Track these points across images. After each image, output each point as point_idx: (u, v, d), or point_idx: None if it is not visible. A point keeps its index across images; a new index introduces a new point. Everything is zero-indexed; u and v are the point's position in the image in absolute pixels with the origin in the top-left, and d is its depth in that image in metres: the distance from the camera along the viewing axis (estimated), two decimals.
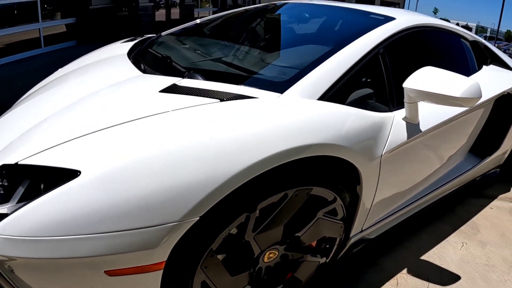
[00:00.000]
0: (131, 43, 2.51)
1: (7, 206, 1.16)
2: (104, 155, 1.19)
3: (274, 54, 2.14)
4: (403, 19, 2.14)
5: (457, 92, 1.49)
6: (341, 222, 1.67)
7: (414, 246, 2.34)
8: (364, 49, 1.78)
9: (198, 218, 1.15)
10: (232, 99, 1.45)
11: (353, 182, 1.63)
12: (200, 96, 1.47)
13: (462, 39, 2.66)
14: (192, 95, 1.49)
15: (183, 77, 1.65)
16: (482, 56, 2.82)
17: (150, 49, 2.25)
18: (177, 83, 1.59)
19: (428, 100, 1.60)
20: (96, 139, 1.27)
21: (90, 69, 2.10)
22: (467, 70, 2.61)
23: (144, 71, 1.84)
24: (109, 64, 2.12)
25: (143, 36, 2.84)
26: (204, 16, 14.57)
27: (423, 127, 1.86)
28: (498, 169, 3.03)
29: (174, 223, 1.12)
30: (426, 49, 2.43)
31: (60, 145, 1.25)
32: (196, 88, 1.54)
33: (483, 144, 2.65)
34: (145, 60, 2.07)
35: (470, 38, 2.75)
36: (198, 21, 2.98)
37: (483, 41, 2.94)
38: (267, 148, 1.25)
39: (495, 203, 3.04)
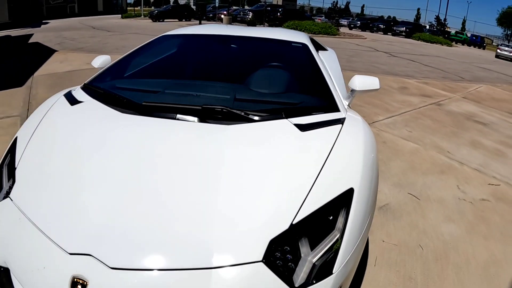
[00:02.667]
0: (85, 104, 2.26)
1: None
2: (346, 173, 1.69)
3: (272, 84, 2.63)
4: (303, 38, 3.32)
5: (377, 86, 2.63)
6: None
7: None
8: (322, 66, 2.80)
9: None
10: (343, 122, 2.06)
11: None
12: (327, 126, 2.00)
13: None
14: (322, 127, 1.99)
15: (284, 118, 2.01)
16: (316, 46, 4.46)
17: (161, 104, 2.11)
18: (292, 122, 1.98)
19: (364, 93, 2.66)
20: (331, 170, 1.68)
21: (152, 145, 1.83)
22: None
23: (205, 122, 1.96)
24: (171, 129, 1.95)
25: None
26: None
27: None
28: None
29: None
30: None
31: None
32: (316, 122, 2.02)
33: None
34: (197, 114, 2.01)
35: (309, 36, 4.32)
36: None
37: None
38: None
39: None
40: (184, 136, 1.89)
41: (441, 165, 4.27)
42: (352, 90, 2.71)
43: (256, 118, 2.01)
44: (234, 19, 25.38)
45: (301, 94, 2.58)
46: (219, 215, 1.47)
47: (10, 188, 1.77)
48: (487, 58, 24.56)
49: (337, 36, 23.82)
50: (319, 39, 20.48)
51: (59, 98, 2.39)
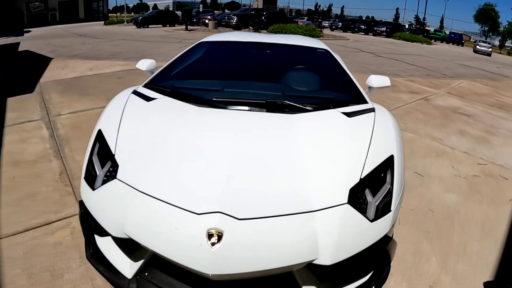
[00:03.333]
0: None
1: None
2: (387, 145, 2.27)
3: (308, 83, 3.25)
4: (323, 45, 3.92)
5: (389, 83, 3.42)
6: None
7: None
8: (346, 68, 3.41)
9: None
10: (374, 110, 2.65)
11: None
12: (364, 113, 2.60)
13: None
14: (361, 114, 2.58)
15: (332, 108, 2.63)
16: None
17: (233, 99, 2.66)
18: (339, 111, 2.58)
19: (377, 88, 3.42)
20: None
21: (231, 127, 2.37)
22: None
23: (271, 112, 2.53)
24: (240, 116, 2.50)
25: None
26: None
27: None
28: None
29: None
30: None
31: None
32: (355, 111, 2.62)
33: None
34: (265, 106, 2.59)
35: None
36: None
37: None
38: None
39: None
40: (261, 121, 2.45)
41: (436, 150, 4.91)
42: (370, 87, 3.37)
43: (309, 108, 2.59)
44: (218, 24, 25.90)
45: (335, 91, 3.15)
46: (309, 174, 2.02)
47: (110, 172, 2.16)
48: (466, 55, 25.73)
49: (320, 37, 24.54)
50: None
51: (130, 96, 2.80)
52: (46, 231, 2.77)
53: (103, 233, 2.09)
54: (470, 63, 18.75)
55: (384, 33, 35.91)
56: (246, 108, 2.59)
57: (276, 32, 23.02)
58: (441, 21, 70.08)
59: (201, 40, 3.91)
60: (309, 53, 3.83)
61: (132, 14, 41.55)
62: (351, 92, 3.02)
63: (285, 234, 1.78)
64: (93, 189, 2.13)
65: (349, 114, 2.58)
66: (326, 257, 1.76)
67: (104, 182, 2.13)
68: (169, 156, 2.16)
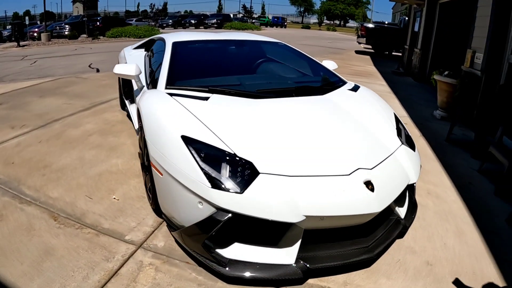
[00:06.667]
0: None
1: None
2: (388, 108, 3.39)
3: (291, 72, 4.18)
4: (274, 38, 4.76)
5: (336, 66, 4.40)
6: None
7: None
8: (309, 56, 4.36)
9: None
10: (359, 87, 3.75)
11: None
12: (358, 88, 3.68)
13: None
14: (358, 89, 3.64)
15: (340, 87, 3.60)
16: None
17: (259, 90, 3.27)
18: (346, 88, 3.59)
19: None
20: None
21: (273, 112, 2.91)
22: None
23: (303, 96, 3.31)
24: (276, 104, 3.06)
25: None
26: None
27: None
28: None
29: None
30: None
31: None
32: (352, 88, 3.67)
33: None
34: (290, 93, 3.31)
35: None
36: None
37: None
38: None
39: None
40: (311, 102, 3.25)
41: None
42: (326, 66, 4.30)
43: (326, 89, 3.51)
44: (50, 35, 23.82)
45: (320, 75, 4.08)
46: (371, 130, 2.93)
47: (239, 170, 2.25)
48: (298, 35, 29.17)
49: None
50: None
51: (174, 98, 2.92)
52: (121, 283, 2.30)
53: (227, 241, 2.29)
54: (308, 42, 21.61)
55: (215, 25, 37.88)
56: (291, 95, 3.27)
57: (116, 37, 22.69)
58: (263, 7, 76.48)
59: (173, 41, 4.05)
60: (275, 47, 4.66)
61: None
62: (332, 76, 3.98)
63: (393, 170, 2.66)
64: (240, 192, 2.17)
65: (353, 90, 3.59)
66: (414, 177, 2.77)
67: (242, 182, 2.21)
68: (286, 141, 2.58)
